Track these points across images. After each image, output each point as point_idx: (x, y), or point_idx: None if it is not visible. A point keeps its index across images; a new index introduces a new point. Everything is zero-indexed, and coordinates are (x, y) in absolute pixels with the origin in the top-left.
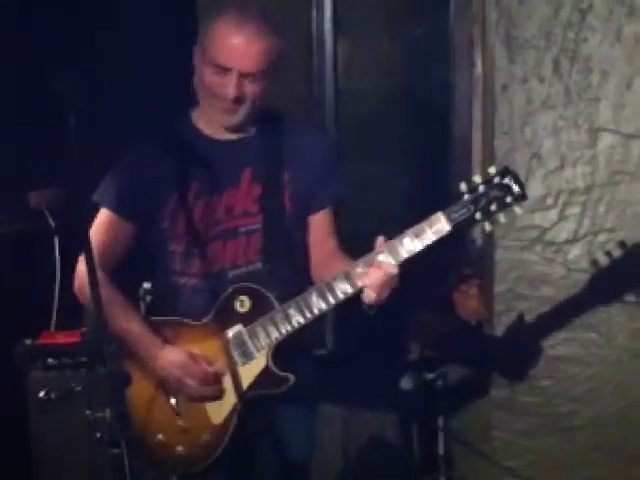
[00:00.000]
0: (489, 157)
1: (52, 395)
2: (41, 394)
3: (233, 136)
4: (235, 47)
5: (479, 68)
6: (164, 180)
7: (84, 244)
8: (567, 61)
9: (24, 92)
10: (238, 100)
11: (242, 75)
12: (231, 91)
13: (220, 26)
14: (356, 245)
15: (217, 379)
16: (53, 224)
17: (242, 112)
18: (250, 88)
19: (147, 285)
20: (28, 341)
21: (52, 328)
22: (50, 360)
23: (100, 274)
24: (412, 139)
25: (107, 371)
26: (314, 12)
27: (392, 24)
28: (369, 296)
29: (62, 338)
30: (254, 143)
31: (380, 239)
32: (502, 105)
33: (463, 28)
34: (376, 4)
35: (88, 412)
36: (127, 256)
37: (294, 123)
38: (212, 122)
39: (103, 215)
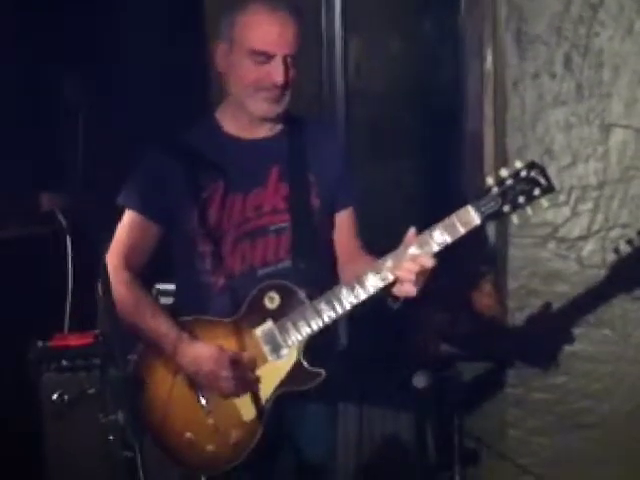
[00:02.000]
0: (501, 154)
1: (65, 397)
2: (54, 396)
3: (258, 135)
4: (275, 31)
5: (490, 65)
6: (190, 182)
7: (97, 249)
8: (578, 57)
9: (33, 94)
10: (285, 85)
11: (285, 58)
12: (280, 77)
13: (253, 14)
14: (367, 245)
15: (249, 367)
16: (64, 224)
17: (286, 99)
18: (291, 72)
19: (160, 286)
20: (41, 343)
21: (65, 330)
22: (63, 362)
23: (126, 274)
24: (423, 137)
25: (119, 373)
26: (324, 12)
27: (402, 23)
28: (407, 290)
29: (75, 340)
30: (279, 142)
31: (412, 230)
32: (513, 102)
33: (473, 25)
34: (386, 3)
35: (101, 415)
36: (153, 256)
37: (312, 123)
38: (245, 118)
39: (129, 216)
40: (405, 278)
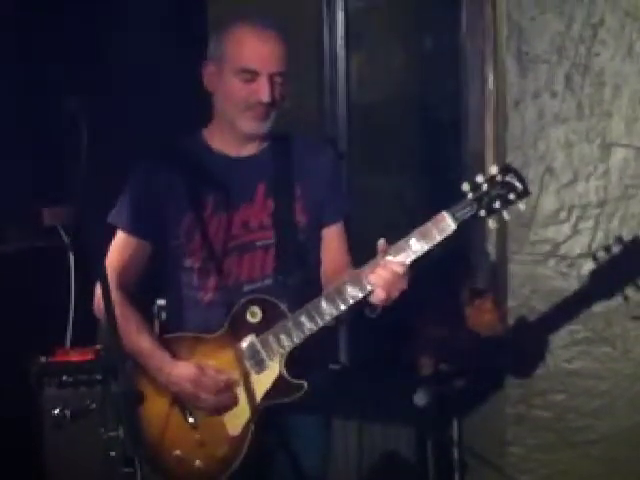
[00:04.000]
0: None
1: (67, 412)
2: (56, 411)
3: (246, 152)
4: (262, 49)
5: (491, 83)
6: (179, 198)
7: (97, 263)
8: (579, 76)
9: (36, 109)
10: (272, 103)
11: (271, 77)
12: (265, 95)
13: (240, 33)
14: (366, 257)
15: (229, 387)
16: (67, 240)
17: (272, 117)
18: (278, 91)
19: (161, 302)
20: (43, 358)
21: (67, 345)
22: (65, 377)
23: (116, 293)
24: (424, 154)
25: (119, 389)
26: (326, 27)
27: (404, 39)
28: (378, 295)
29: (76, 355)
30: (266, 159)
31: (382, 241)
32: (514, 120)
33: (475, 43)
34: (388, 20)
35: (102, 430)
36: (144, 274)
37: (300, 139)
38: (232, 136)
39: (119, 236)
40: (376, 284)
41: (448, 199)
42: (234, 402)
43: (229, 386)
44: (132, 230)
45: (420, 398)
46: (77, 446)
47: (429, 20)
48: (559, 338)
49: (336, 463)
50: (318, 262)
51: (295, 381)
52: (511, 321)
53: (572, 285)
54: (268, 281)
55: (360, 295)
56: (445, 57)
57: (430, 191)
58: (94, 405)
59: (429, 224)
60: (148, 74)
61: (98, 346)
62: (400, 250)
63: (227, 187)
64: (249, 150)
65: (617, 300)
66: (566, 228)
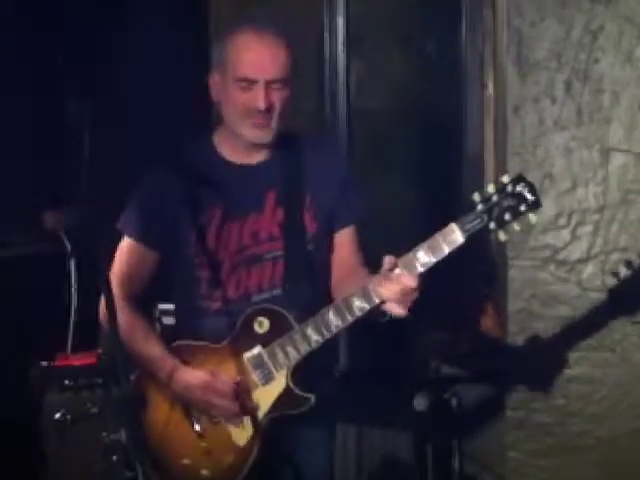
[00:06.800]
0: None
1: (68, 416)
2: (57, 415)
3: (255, 160)
4: (257, 57)
5: (491, 89)
6: (188, 207)
7: (100, 269)
8: (578, 82)
9: (39, 113)
10: (268, 110)
11: (268, 84)
12: (261, 102)
13: (238, 41)
14: (367, 262)
15: (242, 396)
16: (69, 246)
17: (273, 125)
18: (277, 97)
19: (162, 306)
20: (44, 363)
21: (68, 350)
22: (66, 382)
23: (122, 302)
24: (424, 159)
25: (121, 393)
26: (327, 32)
27: (404, 44)
28: (394, 310)
29: (78, 360)
30: (275, 166)
31: (390, 257)
32: (514, 126)
33: (475, 49)
34: (388, 24)
35: (104, 434)
36: (150, 282)
37: (310, 143)
38: (240, 144)
39: (126, 244)
40: (390, 298)
41: (448, 205)
42: (245, 409)
43: (241, 393)
44: (139, 238)
45: (419, 403)
46: (79, 450)
47: (429, 25)
48: (559, 343)
49: (335, 468)
50: (328, 270)
51: (303, 394)
52: (511, 326)
53: (571, 290)
54: (277, 291)
55: (367, 307)
56: (445, 62)
57: (430, 197)
58: (95, 409)
59: (438, 237)
60: (151, 74)
61: (99, 350)
62: (409, 263)
63: (236, 196)
64: (258, 157)
65: (617, 305)
66: (565, 234)
